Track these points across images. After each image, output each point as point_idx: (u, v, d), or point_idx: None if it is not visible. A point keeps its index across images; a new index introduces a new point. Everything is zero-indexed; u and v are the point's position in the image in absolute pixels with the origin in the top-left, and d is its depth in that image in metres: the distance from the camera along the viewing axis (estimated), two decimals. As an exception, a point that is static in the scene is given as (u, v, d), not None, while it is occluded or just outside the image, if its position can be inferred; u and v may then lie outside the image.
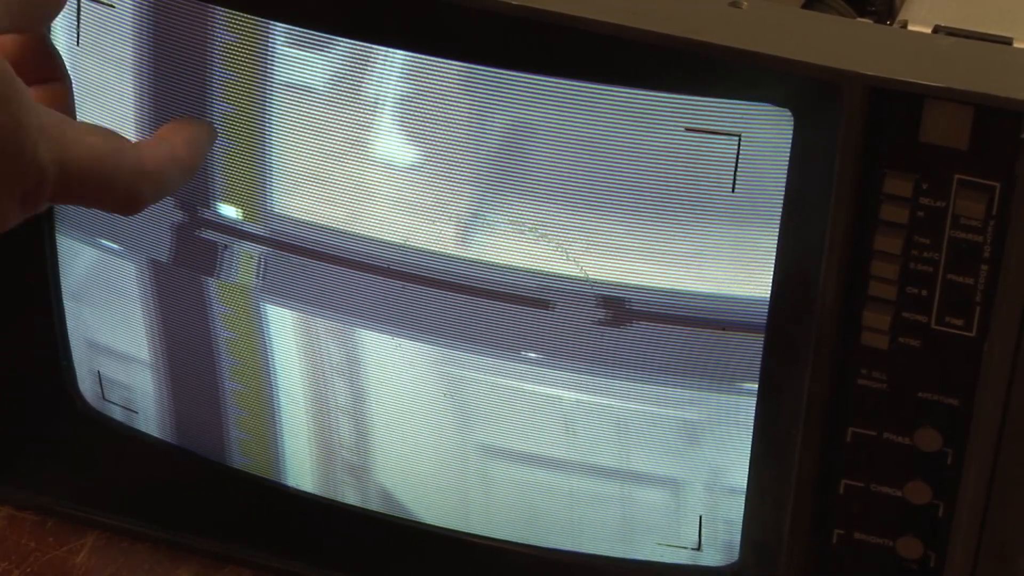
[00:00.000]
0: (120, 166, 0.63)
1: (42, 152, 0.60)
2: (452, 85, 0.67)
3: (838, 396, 0.67)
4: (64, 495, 0.85)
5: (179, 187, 0.66)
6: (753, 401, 0.70)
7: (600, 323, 0.71)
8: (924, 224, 0.63)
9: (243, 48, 0.70)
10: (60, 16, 0.64)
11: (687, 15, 0.63)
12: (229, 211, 0.74)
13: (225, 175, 0.73)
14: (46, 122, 0.61)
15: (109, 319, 0.81)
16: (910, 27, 0.65)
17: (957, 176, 0.62)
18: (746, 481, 0.72)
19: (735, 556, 0.75)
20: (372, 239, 0.72)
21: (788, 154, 0.65)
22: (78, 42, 0.73)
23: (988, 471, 0.66)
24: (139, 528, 0.83)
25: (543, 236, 0.69)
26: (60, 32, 0.73)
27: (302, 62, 0.69)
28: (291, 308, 0.76)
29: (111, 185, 0.63)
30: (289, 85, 0.70)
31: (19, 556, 0.82)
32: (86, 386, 0.85)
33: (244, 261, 0.75)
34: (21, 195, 0.61)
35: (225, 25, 0.70)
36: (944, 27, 0.64)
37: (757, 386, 0.70)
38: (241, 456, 0.82)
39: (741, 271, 0.68)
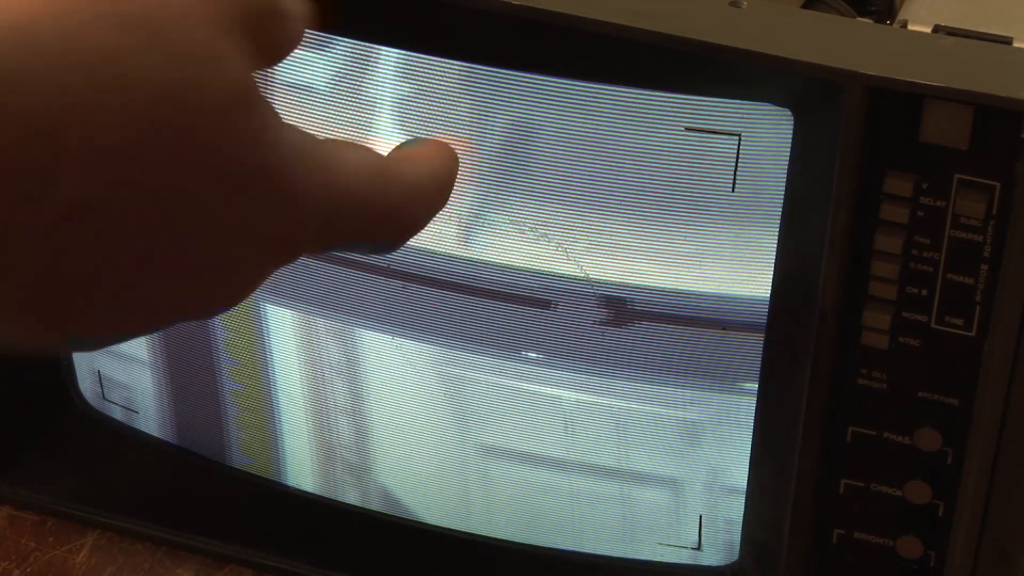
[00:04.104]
0: (389, 189, 0.50)
1: (305, 187, 0.47)
2: (452, 85, 0.67)
3: (838, 396, 0.67)
4: (64, 495, 0.85)
5: (438, 212, 0.54)
6: (753, 401, 0.70)
7: (601, 323, 0.71)
8: (924, 224, 0.63)
9: (243, 48, 0.70)
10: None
11: (687, 15, 0.63)
12: (229, 211, 0.74)
13: (225, 175, 0.73)
14: (296, 142, 0.47)
15: (109, 319, 0.81)
16: (910, 27, 0.65)
17: (957, 176, 0.62)
18: (746, 481, 0.72)
19: (735, 556, 0.75)
20: (372, 239, 0.72)
21: (788, 154, 0.65)
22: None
23: (988, 471, 0.66)
24: (139, 528, 0.83)
25: (544, 236, 0.69)
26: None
27: (302, 61, 0.69)
28: (291, 308, 0.76)
29: (381, 215, 0.50)
30: (289, 85, 0.70)
31: (19, 556, 0.82)
32: (86, 386, 0.85)
33: (244, 261, 0.75)
34: (281, 251, 0.48)
35: (225, 25, 0.70)
36: (944, 27, 0.64)
37: (757, 386, 0.70)
38: (241, 456, 0.82)
39: (741, 271, 0.68)
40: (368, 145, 0.51)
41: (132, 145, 0.42)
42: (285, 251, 0.48)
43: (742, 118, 0.65)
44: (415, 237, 0.51)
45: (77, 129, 0.41)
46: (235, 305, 0.47)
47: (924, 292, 0.64)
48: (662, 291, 0.69)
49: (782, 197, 0.65)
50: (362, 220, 0.50)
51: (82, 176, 0.41)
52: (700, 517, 0.75)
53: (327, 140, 0.49)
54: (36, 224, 0.41)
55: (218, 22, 0.44)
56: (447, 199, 0.54)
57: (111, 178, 0.42)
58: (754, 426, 0.71)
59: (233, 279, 0.47)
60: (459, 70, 0.67)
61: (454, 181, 0.55)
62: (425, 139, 0.57)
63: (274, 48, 0.47)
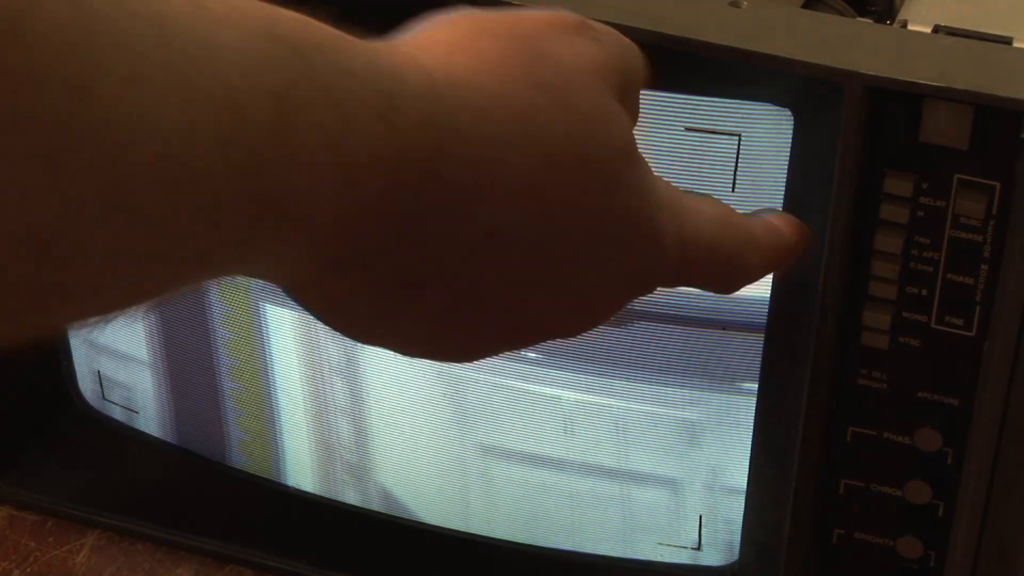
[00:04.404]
0: (734, 238, 0.58)
1: (667, 230, 0.54)
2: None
3: (838, 396, 0.67)
4: (64, 495, 0.85)
5: (781, 268, 0.62)
6: (753, 401, 0.70)
7: (600, 323, 0.71)
8: (924, 224, 0.63)
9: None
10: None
11: (687, 15, 0.63)
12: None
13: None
14: (663, 191, 0.55)
15: (109, 319, 0.81)
16: (910, 27, 0.65)
17: (957, 176, 0.62)
18: (746, 481, 0.72)
19: (735, 556, 0.75)
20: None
21: (788, 154, 0.65)
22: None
23: (988, 471, 0.66)
24: (139, 528, 0.83)
25: (543, 236, 0.69)
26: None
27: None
28: (291, 308, 0.76)
29: (722, 261, 0.58)
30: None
31: (19, 556, 0.82)
32: (86, 386, 0.85)
33: (244, 261, 0.75)
34: (640, 284, 0.56)
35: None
36: (944, 27, 0.64)
37: (757, 386, 0.70)
38: (241, 456, 0.82)
39: (741, 271, 0.68)
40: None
41: (540, 185, 0.50)
42: (644, 285, 0.56)
43: (742, 118, 0.65)
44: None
45: (500, 166, 0.49)
46: (592, 328, 0.56)
47: (924, 292, 0.64)
48: (661, 290, 0.69)
49: (782, 197, 0.65)
50: (707, 264, 0.57)
51: (499, 205, 0.49)
52: (700, 517, 0.75)
53: (685, 191, 0.57)
54: (465, 240, 0.49)
55: (610, 88, 0.53)
56: (784, 262, 0.62)
57: (520, 211, 0.50)
58: (754, 426, 0.71)
59: (598, 306, 0.55)
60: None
61: (794, 251, 0.62)
62: (776, 209, 0.64)
63: (634, 114, 0.55)
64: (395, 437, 0.78)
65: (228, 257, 0.44)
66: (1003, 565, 0.68)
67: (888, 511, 0.69)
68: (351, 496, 0.81)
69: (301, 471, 0.81)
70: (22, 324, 0.40)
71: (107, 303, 0.42)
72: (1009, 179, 0.61)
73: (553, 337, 0.55)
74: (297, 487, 0.82)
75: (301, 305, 0.52)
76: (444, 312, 0.51)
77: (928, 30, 0.64)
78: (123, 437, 0.84)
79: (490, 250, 0.50)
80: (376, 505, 0.80)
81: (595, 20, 0.57)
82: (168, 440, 0.84)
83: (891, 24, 0.67)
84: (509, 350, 0.56)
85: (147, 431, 0.84)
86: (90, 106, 0.38)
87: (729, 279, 0.59)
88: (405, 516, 0.80)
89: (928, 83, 0.60)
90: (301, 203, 0.44)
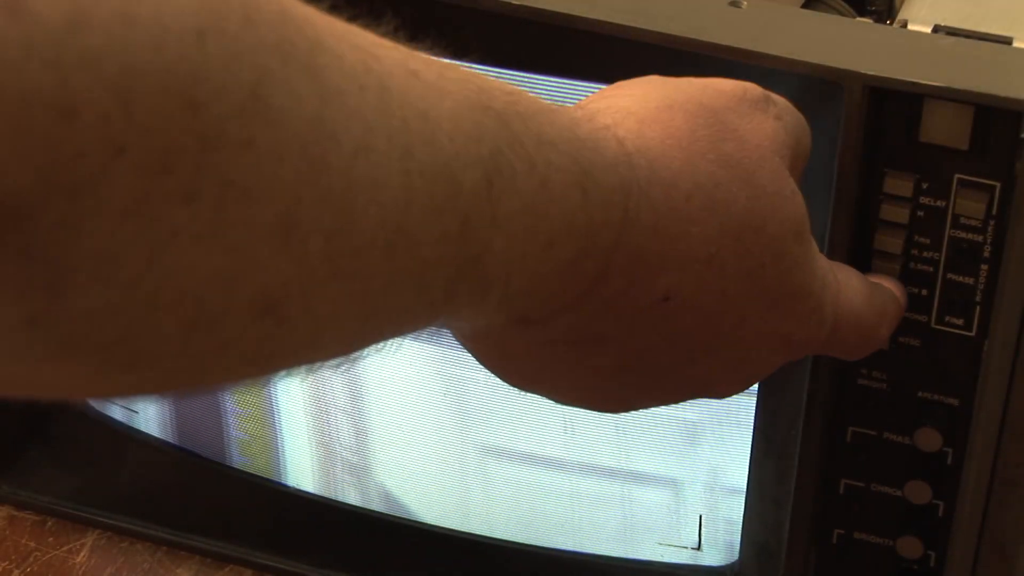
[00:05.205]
0: (873, 309, 0.60)
1: (826, 305, 0.57)
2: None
3: (838, 396, 0.67)
4: (64, 495, 0.85)
5: (888, 336, 0.62)
6: (753, 401, 0.70)
7: (600, 323, 0.70)
8: (924, 224, 0.63)
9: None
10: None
11: (687, 15, 0.63)
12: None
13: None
14: (824, 267, 0.57)
15: (109, 319, 0.81)
16: (910, 27, 0.65)
17: (957, 176, 0.62)
18: (746, 481, 0.72)
19: (735, 556, 0.75)
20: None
21: (788, 154, 0.65)
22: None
23: (988, 471, 0.66)
24: (139, 528, 0.83)
25: (543, 236, 0.69)
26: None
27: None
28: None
29: (864, 331, 0.60)
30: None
31: (19, 556, 0.82)
32: (86, 386, 0.84)
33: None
34: (794, 353, 0.57)
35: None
36: (944, 27, 0.64)
37: (757, 386, 0.70)
38: (241, 456, 0.82)
39: (741, 271, 0.68)
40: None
41: (718, 256, 0.52)
42: (796, 354, 0.58)
43: (742, 118, 0.65)
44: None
45: (683, 237, 0.51)
46: (742, 391, 0.58)
47: (924, 292, 0.64)
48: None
49: (782, 197, 0.65)
50: (851, 335, 0.58)
51: (677, 273, 0.51)
52: (700, 517, 0.75)
53: (836, 263, 0.59)
54: (642, 304, 0.51)
55: (785, 163, 0.54)
56: (896, 325, 0.63)
57: (696, 279, 0.52)
58: (754, 426, 0.71)
59: (754, 371, 0.57)
60: (459, 70, 0.67)
61: (903, 313, 0.63)
62: (884, 276, 0.64)
63: (799, 184, 0.57)
64: (395, 437, 0.78)
65: (427, 315, 0.46)
66: (1003, 565, 0.68)
67: (888, 511, 0.69)
68: (351, 496, 0.81)
69: (301, 471, 0.81)
70: (237, 374, 0.42)
71: (316, 358, 0.44)
72: (1009, 179, 0.61)
73: (705, 397, 0.58)
74: (297, 487, 0.82)
75: (471, 352, 0.54)
76: (611, 370, 0.54)
77: (928, 30, 0.64)
78: (123, 437, 0.84)
79: (664, 314, 0.52)
80: (376, 505, 0.80)
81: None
82: (168, 440, 0.84)
83: (891, 24, 0.67)
84: (661, 405, 0.58)
85: (147, 431, 0.84)
86: (324, 176, 0.39)
87: (864, 348, 0.61)
88: (405, 516, 0.80)
89: (928, 83, 0.60)
90: (499, 265, 0.46)
